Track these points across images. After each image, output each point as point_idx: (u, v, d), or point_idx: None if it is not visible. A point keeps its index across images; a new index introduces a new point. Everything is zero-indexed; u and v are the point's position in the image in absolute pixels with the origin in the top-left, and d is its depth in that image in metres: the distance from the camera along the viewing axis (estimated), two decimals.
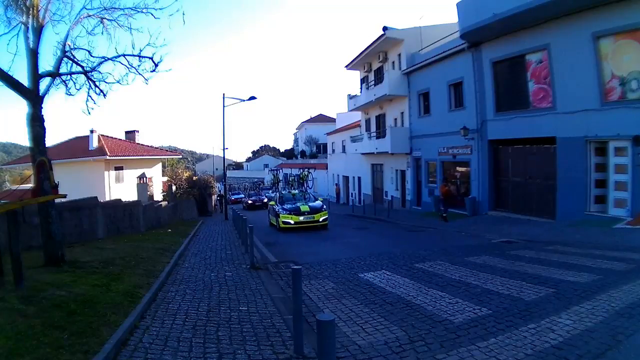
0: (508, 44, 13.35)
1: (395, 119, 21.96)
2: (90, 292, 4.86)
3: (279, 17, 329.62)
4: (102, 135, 23.10)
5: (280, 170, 40.59)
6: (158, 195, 24.28)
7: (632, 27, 9.58)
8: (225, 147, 24.07)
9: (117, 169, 22.07)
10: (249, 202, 31.96)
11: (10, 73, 6.36)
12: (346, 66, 26.55)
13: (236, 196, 41.24)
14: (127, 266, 6.76)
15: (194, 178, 28.17)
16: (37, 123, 6.44)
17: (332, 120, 43.42)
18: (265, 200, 29.47)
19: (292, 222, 13.54)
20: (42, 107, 6.58)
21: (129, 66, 7.57)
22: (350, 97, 26.77)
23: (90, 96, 7.48)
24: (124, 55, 7.49)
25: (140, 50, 7.58)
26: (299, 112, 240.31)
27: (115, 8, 7.28)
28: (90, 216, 10.91)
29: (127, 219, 12.94)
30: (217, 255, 8.88)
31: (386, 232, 13.01)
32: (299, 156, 54.54)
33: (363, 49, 23.28)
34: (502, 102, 14.14)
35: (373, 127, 24.96)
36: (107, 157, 20.60)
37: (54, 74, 6.87)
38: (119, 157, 21.74)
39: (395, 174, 22.29)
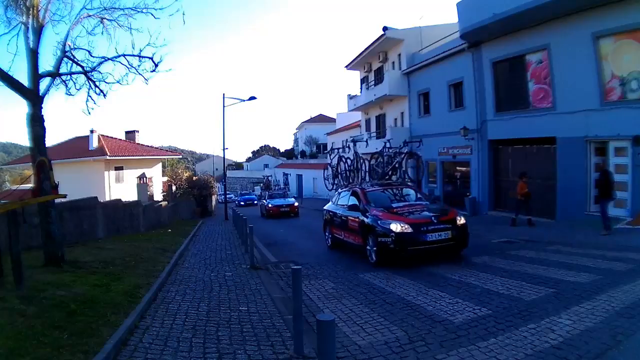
0: (508, 44, 13.34)
1: (395, 119, 21.94)
2: (90, 292, 4.87)
3: (279, 17, 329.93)
4: (102, 135, 23.10)
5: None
6: (158, 195, 24.28)
7: (632, 27, 9.56)
8: (225, 147, 24.10)
9: (117, 169, 22.08)
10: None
11: (10, 73, 6.37)
12: (346, 66, 26.54)
13: (276, 201, 21.82)
14: (127, 266, 6.76)
15: (194, 178, 28.16)
16: (37, 123, 6.44)
17: (332, 120, 43.42)
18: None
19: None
20: (42, 107, 6.57)
21: (129, 66, 7.56)
22: (350, 97, 26.75)
23: (90, 96, 7.49)
24: (124, 55, 7.49)
25: (140, 50, 7.58)
26: (299, 112, 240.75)
27: (115, 8, 7.28)
28: (90, 216, 10.91)
29: (127, 219, 12.94)
30: (217, 255, 8.88)
31: None
32: (299, 156, 54.47)
33: (363, 49, 23.27)
34: (502, 102, 14.12)
35: (373, 127, 24.93)
36: (107, 157, 20.61)
37: (54, 74, 6.86)
38: (119, 157, 21.74)
39: None
